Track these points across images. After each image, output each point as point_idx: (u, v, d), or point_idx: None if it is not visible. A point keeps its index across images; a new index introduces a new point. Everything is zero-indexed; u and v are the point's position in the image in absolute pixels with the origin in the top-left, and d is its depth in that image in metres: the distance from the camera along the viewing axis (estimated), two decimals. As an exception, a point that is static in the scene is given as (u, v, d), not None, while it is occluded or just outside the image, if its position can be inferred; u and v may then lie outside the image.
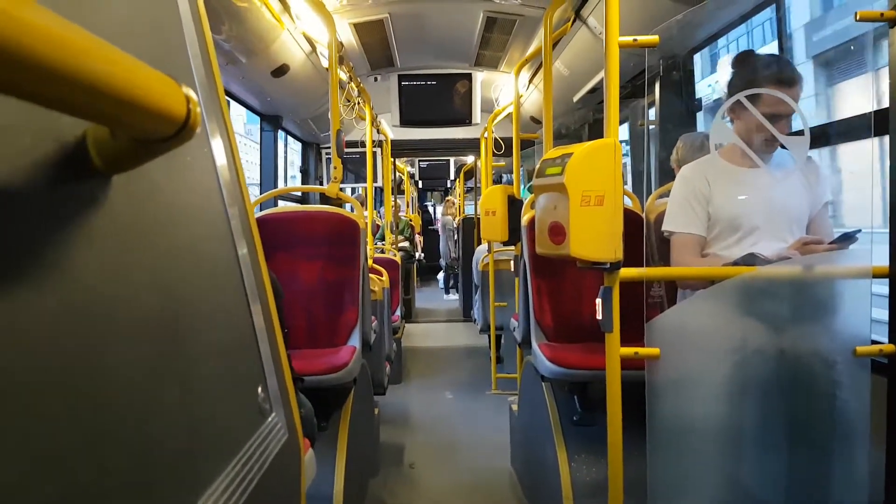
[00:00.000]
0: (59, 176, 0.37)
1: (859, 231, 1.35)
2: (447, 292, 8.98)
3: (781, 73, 1.46)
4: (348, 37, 3.70)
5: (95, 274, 0.40)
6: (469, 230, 6.66)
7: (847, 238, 1.36)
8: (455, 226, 8.96)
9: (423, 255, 9.27)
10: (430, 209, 13.57)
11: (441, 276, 9.61)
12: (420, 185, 10.91)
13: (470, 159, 7.86)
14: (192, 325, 0.52)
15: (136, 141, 0.38)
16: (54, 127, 0.37)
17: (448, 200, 10.16)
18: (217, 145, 0.66)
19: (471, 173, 8.16)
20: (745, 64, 1.53)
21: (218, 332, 0.57)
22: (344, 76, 3.36)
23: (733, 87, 1.52)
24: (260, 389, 0.65)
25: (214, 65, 0.71)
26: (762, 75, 1.47)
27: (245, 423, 0.60)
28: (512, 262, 3.32)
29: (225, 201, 0.64)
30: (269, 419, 0.66)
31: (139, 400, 0.43)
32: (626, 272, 1.31)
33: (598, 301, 1.33)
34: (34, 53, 0.26)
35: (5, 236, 0.32)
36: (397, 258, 4.58)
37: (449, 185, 11.17)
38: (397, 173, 7.45)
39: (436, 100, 4.67)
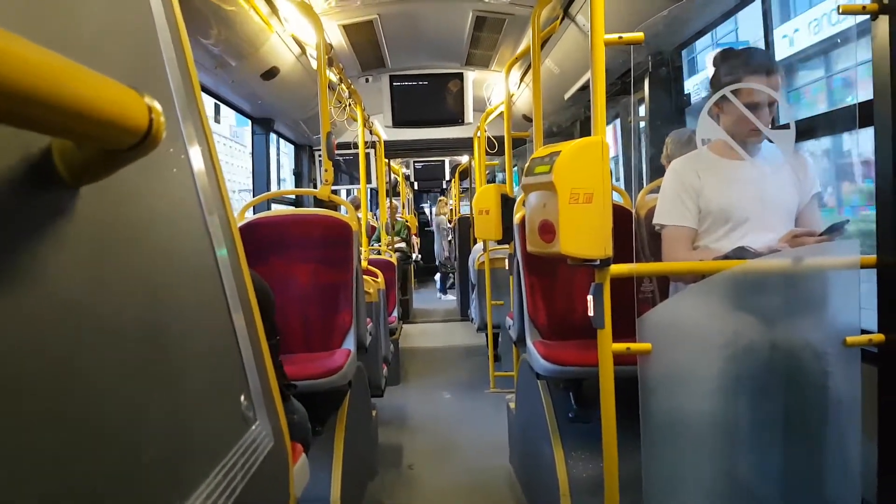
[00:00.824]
0: (26, 188, 0.37)
1: (847, 221, 1.36)
2: (444, 293, 8.96)
3: (758, 63, 1.50)
4: (338, 38, 3.70)
5: (69, 284, 0.40)
6: (465, 230, 6.64)
7: (835, 229, 1.37)
8: (449, 226, 8.95)
9: (419, 256, 9.24)
10: (427, 211, 13.50)
11: (438, 276, 9.59)
12: (416, 187, 10.88)
13: (464, 159, 7.85)
14: (170, 333, 0.52)
15: (101, 152, 0.38)
16: (19, 139, 0.37)
17: (441, 200, 10.15)
18: (195, 152, 0.65)
19: (466, 174, 8.14)
20: (723, 60, 1.56)
21: (197, 341, 0.57)
22: (334, 78, 3.36)
23: (715, 84, 1.55)
24: (243, 397, 0.64)
25: (192, 70, 0.70)
26: (739, 68, 1.50)
27: (228, 432, 0.59)
28: (507, 261, 3.32)
29: (203, 208, 0.63)
30: (254, 427, 0.66)
31: (116, 409, 0.43)
32: (617, 268, 1.31)
33: (590, 298, 1.33)
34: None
35: None
36: (393, 259, 4.56)
37: (444, 187, 11.15)
38: (392, 175, 7.43)
39: (428, 100, 4.65)
